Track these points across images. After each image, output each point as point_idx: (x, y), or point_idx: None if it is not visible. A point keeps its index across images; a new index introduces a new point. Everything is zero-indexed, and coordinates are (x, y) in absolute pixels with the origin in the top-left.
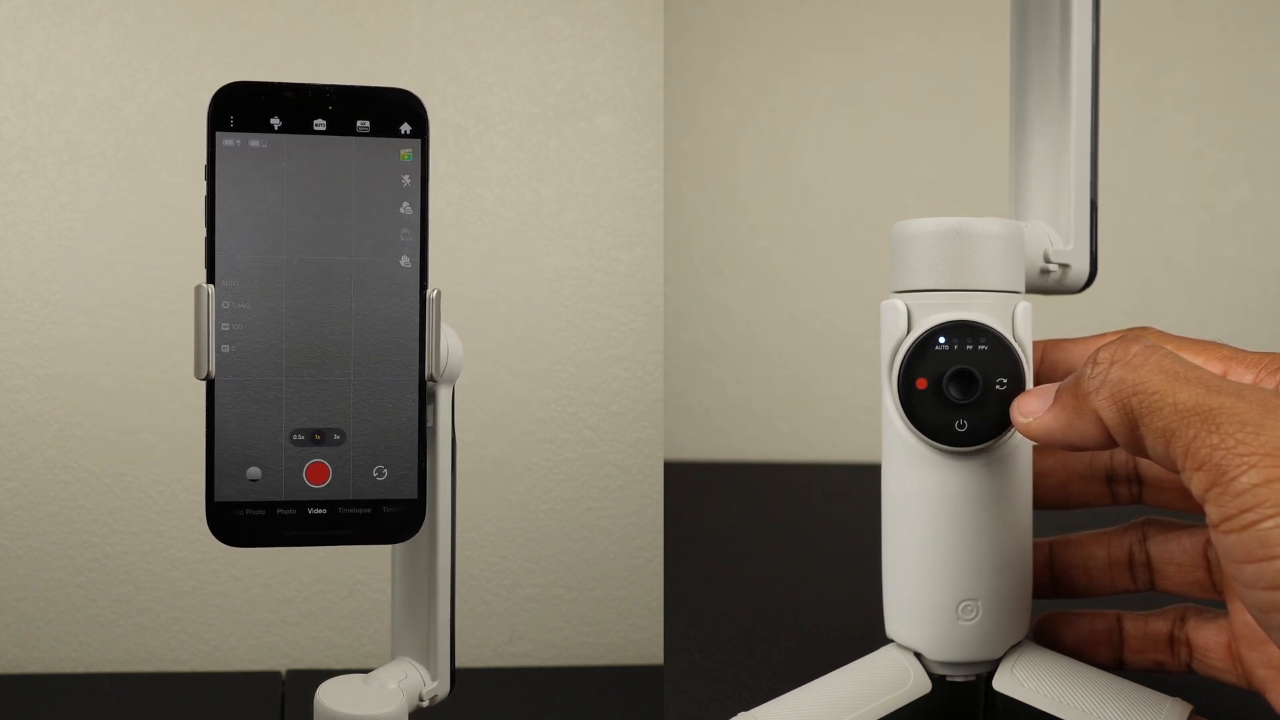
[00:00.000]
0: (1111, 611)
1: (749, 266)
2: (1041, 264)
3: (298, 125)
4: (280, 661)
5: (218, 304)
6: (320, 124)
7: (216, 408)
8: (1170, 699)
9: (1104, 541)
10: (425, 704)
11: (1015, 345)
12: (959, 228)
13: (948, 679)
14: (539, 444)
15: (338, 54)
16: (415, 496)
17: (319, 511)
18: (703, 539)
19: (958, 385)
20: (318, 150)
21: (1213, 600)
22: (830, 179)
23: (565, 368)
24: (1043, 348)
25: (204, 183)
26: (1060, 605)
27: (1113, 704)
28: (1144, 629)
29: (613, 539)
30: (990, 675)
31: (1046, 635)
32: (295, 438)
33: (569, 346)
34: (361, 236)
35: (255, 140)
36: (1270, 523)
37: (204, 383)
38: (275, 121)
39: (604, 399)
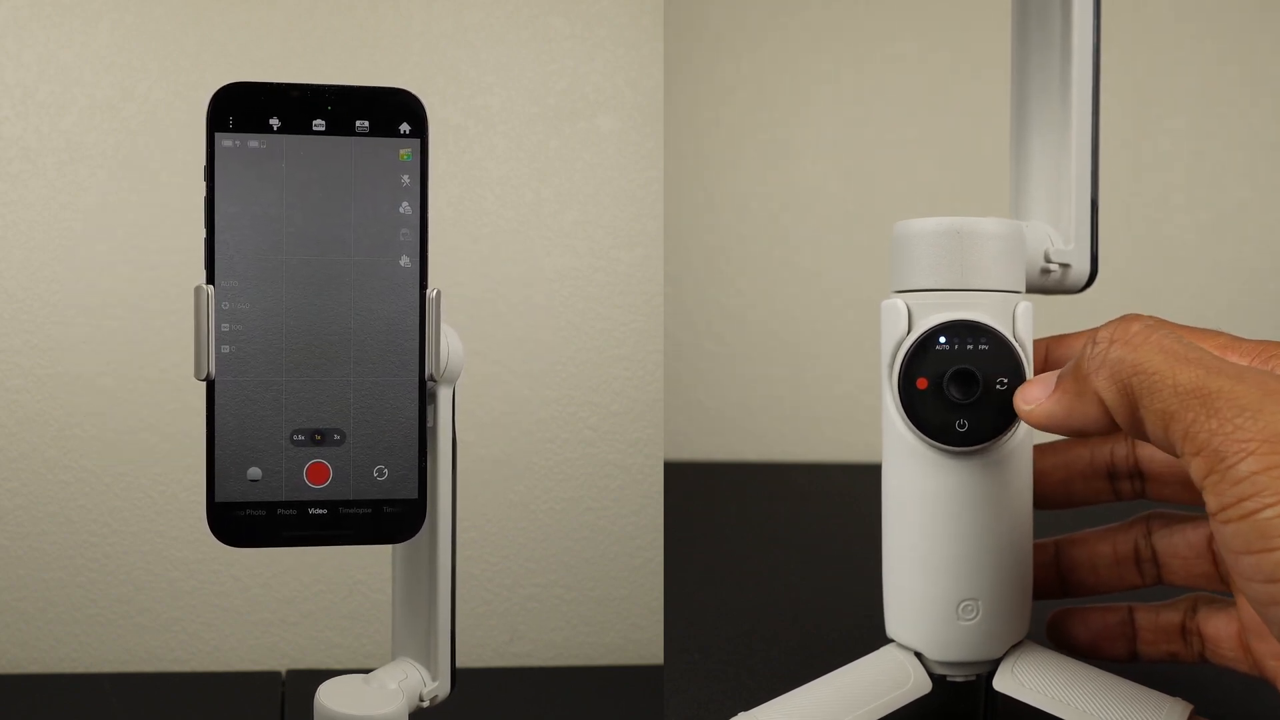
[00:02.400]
0: (1123, 605)
1: (749, 266)
2: (1042, 264)
3: (297, 126)
4: (280, 661)
5: (217, 305)
6: (319, 124)
7: (216, 408)
8: (1171, 699)
9: (1109, 538)
10: (426, 704)
11: (1016, 345)
12: (959, 227)
13: (948, 679)
14: (539, 444)
15: (338, 54)
16: (416, 496)
17: (319, 512)
18: (703, 539)
19: (958, 385)
20: (317, 150)
21: (1221, 592)
22: (830, 179)
23: (565, 368)
24: (1045, 345)
25: (203, 183)
26: (1070, 601)
27: (1113, 704)
28: (1155, 621)
29: (613, 539)
30: (990, 675)
31: (1060, 631)
32: (295, 438)
33: (569, 346)
34: (361, 236)
35: (254, 141)
36: (1269, 512)
37: (204, 383)
38: (274, 122)
39: (604, 399)
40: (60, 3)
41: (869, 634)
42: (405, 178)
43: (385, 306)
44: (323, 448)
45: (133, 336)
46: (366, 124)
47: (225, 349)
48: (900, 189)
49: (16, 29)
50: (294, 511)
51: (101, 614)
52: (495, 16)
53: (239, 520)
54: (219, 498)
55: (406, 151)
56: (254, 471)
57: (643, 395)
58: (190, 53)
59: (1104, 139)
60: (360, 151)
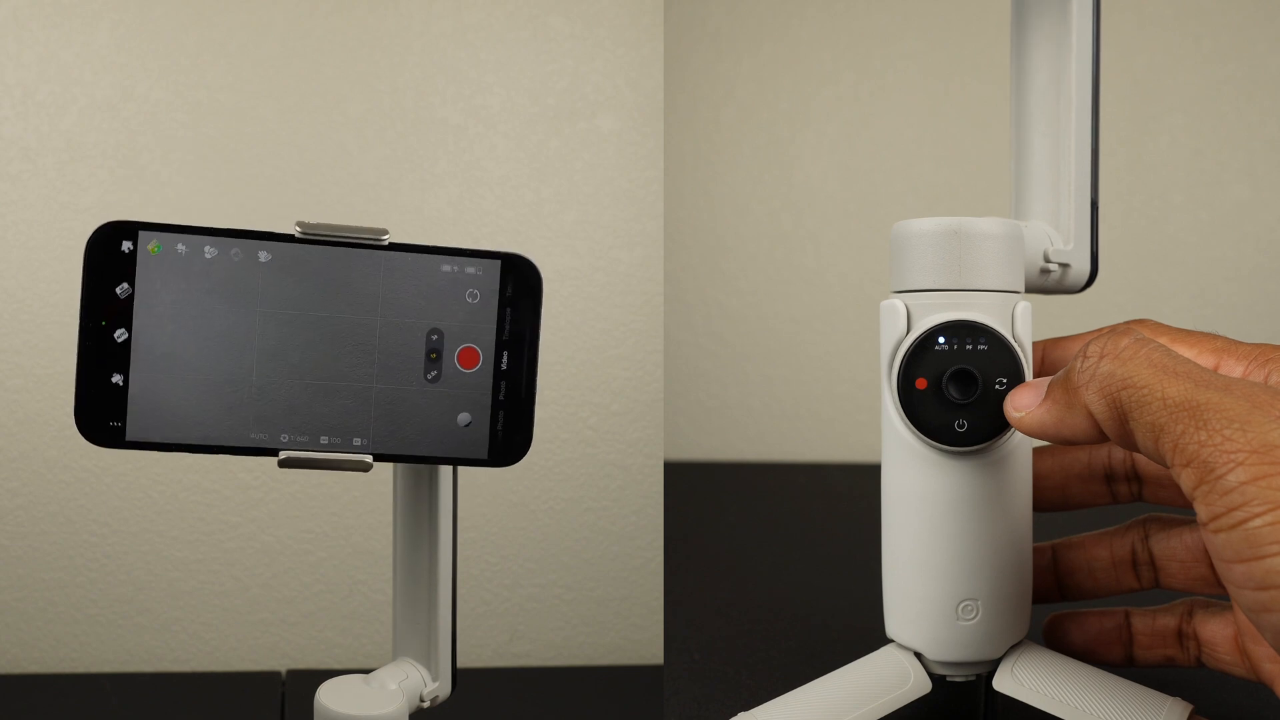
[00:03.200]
0: (1120, 609)
1: (749, 266)
2: (1041, 264)
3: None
4: (280, 661)
5: (327, 451)
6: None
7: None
8: (1170, 699)
9: (1106, 542)
10: (426, 704)
11: (1015, 345)
12: (958, 228)
13: (947, 679)
14: (539, 444)
15: (337, 54)
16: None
17: (502, 365)
18: (703, 539)
19: (957, 385)
20: (196, 322)
21: (1218, 596)
22: (830, 179)
23: (565, 368)
24: (1043, 348)
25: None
26: (1068, 605)
27: (1113, 704)
28: (1152, 625)
29: (613, 539)
30: (990, 675)
31: (1056, 635)
32: (430, 375)
33: (569, 346)
34: (272, 308)
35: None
36: (1258, 521)
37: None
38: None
39: (604, 399)
40: (60, 3)
41: (869, 634)
42: (180, 246)
43: (358, 280)
44: (442, 352)
45: None
46: (126, 287)
47: (359, 439)
48: (900, 189)
49: (16, 29)
50: (500, 394)
51: (102, 614)
52: (495, 16)
53: (513, 444)
54: (495, 454)
55: (155, 244)
56: (462, 417)
57: (643, 395)
58: (190, 53)
59: (1104, 139)
60: (161, 277)
